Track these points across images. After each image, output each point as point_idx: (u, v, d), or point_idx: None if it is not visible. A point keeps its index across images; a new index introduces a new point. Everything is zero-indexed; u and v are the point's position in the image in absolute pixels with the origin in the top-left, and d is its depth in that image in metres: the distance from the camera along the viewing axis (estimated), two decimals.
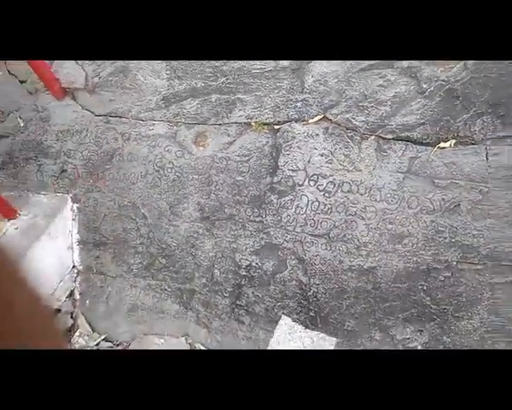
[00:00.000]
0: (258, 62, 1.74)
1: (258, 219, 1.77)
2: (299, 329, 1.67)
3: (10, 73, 2.19)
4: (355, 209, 1.65)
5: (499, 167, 1.54)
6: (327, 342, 1.66)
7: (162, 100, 1.87)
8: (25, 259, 1.78)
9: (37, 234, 1.88)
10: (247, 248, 1.78)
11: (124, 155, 1.93)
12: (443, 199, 1.57)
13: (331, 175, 1.68)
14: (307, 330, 1.68)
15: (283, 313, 1.73)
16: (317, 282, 1.71)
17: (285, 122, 1.73)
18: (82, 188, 2.02)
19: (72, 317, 2.04)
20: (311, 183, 1.70)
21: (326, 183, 1.68)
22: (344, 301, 1.69)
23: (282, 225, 1.74)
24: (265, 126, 1.75)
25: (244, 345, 1.79)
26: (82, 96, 2.02)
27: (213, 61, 1.78)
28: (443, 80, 1.56)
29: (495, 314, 1.58)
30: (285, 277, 1.75)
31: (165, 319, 1.97)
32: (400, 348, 1.68)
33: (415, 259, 1.61)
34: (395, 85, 1.60)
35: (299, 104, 1.70)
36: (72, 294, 2.07)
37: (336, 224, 1.68)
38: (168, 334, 1.91)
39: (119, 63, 1.91)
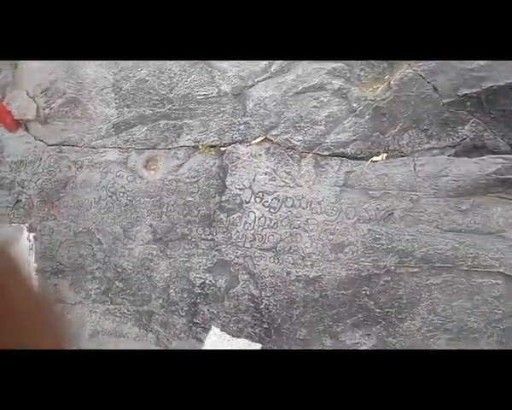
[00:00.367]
0: (202, 89, 1.84)
1: (209, 238, 1.84)
2: (227, 338, 1.74)
3: None
4: (298, 222, 1.75)
5: (426, 177, 1.67)
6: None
7: (112, 128, 1.94)
8: None
9: None
10: (200, 267, 1.85)
11: (77, 182, 1.97)
12: (377, 208, 1.69)
13: (275, 192, 1.77)
14: (234, 338, 1.74)
15: (221, 325, 1.79)
16: (268, 294, 1.78)
17: (230, 144, 1.83)
18: (37, 217, 2.05)
19: None
20: (257, 200, 1.79)
21: (271, 199, 1.78)
22: (294, 310, 1.77)
23: (233, 241, 1.81)
24: (212, 149, 1.84)
25: None
26: (34, 127, 2.06)
27: (159, 89, 1.87)
28: (370, 100, 1.69)
29: (434, 313, 1.69)
30: (238, 292, 1.82)
31: (126, 343, 1.99)
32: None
33: (356, 266, 1.71)
34: (328, 106, 1.73)
35: (241, 127, 1.80)
36: None
37: (282, 237, 1.76)
38: None
39: (70, 95, 1.97)
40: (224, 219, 1.81)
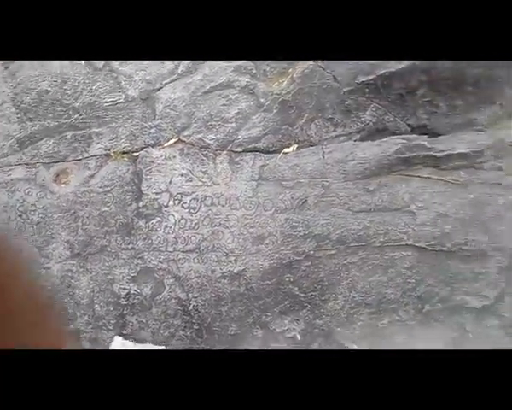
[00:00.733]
0: (108, 96, 1.79)
1: (130, 247, 1.80)
2: (130, 345, 1.73)
3: None
4: (219, 220, 1.76)
5: (335, 163, 1.75)
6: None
7: (16, 144, 1.83)
8: None
9: None
10: (123, 277, 1.80)
11: None
12: (292, 198, 1.75)
13: (193, 192, 1.77)
14: (137, 344, 1.74)
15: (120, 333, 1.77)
16: (195, 295, 1.78)
17: (142, 148, 1.80)
18: None
19: None
20: (176, 202, 1.78)
21: (189, 200, 1.77)
22: (222, 307, 1.78)
23: (154, 247, 1.78)
24: (124, 155, 1.80)
25: None
26: None
27: (63, 100, 1.80)
28: (276, 94, 1.75)
29: (354, 290, 1.78)
30: (165, 297, 1.79)
31: None
32: (281, 339, 1.80)
33: (277, 255, 1.75)
34: (237, 103, 1.76)
35: (153, 130, 1.79)
36: None
37: (204, 236, 1.77)
38: None
39: None
40: (143, 225, 1.78)
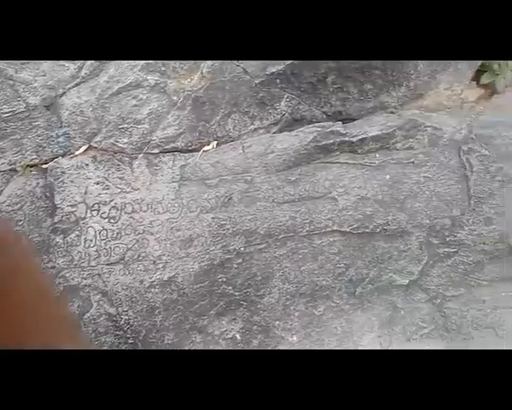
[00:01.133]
0: (6, 106, 1.65)
1: (49, 265, 1.68)
2: None
3: None
4: (142, 227, 1.69)
5: (255, 156, 1.73)
6: None
7: None
8: None
9: None
10: None
11: None
12: (217, 196, 1.71)
13: (111, 200, 1.68)
14: None
15: None
16: (126, 308, 1.70)
17: (52, 159, 1.68)
18: None
19: None
20: (94, 213, 1.68)
21: (108, 209, 1.68)
22: (156, 317, 1.72)
23: (76, 263, 1.68)
24: (32, 168, 1.67)
25: None
26: None
27: None
28: (188, 90, 1.69)
29: (288, 282, 1.78)
30: (93, 315, 1.70)
31: None
32: (221, 341, 1.78)
33: (207, 256, 1.71)
34: (148, 103, 1.68)
35: (61, 139, 1.67)
36: None
37: (128, 246, 1.69)
38: None
39: None
40: (61, 241, 1.67)
